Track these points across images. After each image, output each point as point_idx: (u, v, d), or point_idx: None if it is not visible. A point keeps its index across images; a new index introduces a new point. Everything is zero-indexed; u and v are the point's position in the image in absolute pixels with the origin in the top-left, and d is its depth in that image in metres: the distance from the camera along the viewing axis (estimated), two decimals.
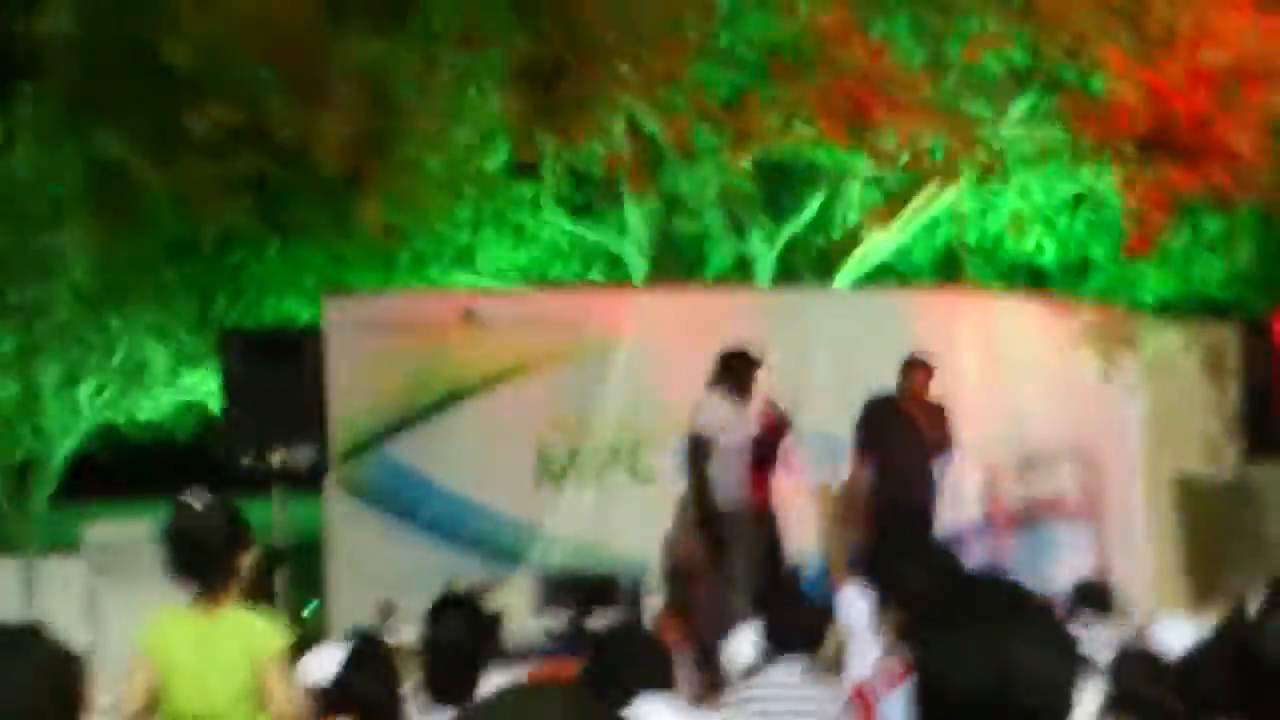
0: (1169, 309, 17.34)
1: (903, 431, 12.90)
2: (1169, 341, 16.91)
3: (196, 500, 6.55)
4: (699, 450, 12.07)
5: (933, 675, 3.01)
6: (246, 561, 6.67)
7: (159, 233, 15.34)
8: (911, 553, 5.70)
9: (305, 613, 13.24)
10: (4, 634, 3.58)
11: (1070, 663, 3.06)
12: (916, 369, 13.15)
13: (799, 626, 7.05)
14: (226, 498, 6.83)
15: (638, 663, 5.08)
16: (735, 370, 12.29)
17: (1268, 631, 4.78)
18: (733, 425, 12.14)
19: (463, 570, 13.03)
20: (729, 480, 12.06)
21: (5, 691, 3.33)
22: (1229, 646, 5.09)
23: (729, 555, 12.07)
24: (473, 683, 6.60)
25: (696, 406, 12.29)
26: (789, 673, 6.80)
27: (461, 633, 6.62)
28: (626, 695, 4.95)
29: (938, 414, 13.19)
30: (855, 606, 7.35)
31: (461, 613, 6.72)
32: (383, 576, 13.12)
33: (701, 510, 12.05)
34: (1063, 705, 2.98)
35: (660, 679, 5.08)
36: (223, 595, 6.55)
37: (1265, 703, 4.68)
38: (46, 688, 3.62)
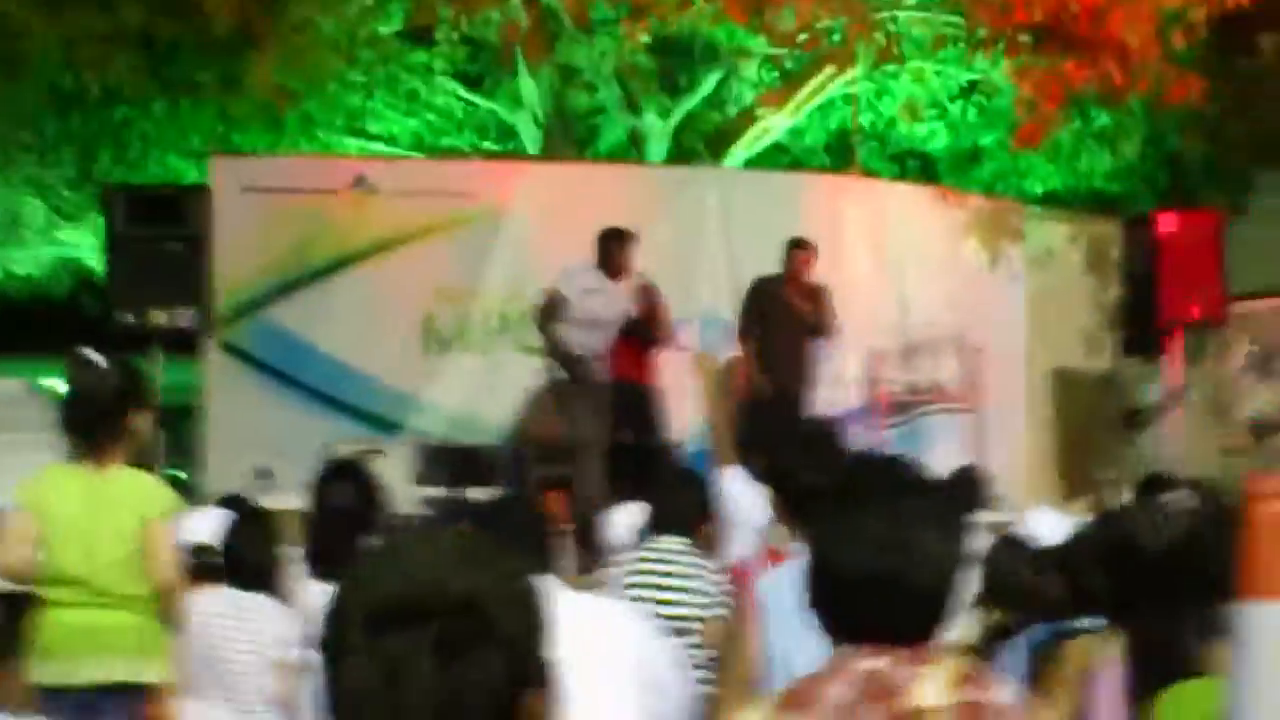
0: (1056, 201, 17.44)
1: (782, 313, 12.90)
2: (1054, 233, 17.04)
3: (95, 357, 6.43)
4: (549, 310, 12.01)
5: (826, 555, 3.03)
6: (140, 423, 6.58)
7: (41, 84, 15.03)
8: (797, 436, 5.71)
9: (180, 477, 13.07)
10: None
11: (960, 543, 3.10)
12: (798, 250, 13.14)
13: (680, 505, 7.07)
14: (124, 357, 6.75)
15: (519, 537, 5.05)
16: (608, 248, 12.25)
17: (1142, 522, 4.85)
18: (597, 295, 12.07)
19: (342, 437, 12.95)
20: (590, 349, 12.01)
21: None
22: (1105, 538, 5.16)
23: (586, 425, 12.05)
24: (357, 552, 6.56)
25: (561, 272, 12.29)
26: (671, 544, 6.82)
27: (350, 501, 6.58)
28: None
29: (819, 296, 13.21)
30: (736, 486, 7.36)
31: (350, 481, 6.68)
32: (261, 441, 12.99)
33: (564, 371, 11.98)
34: (952, 584, 3.03)
35: (542, 554, 5.07)
36: (112, 454, 6.45)
37: (1140, 592, 4.76)
38: None
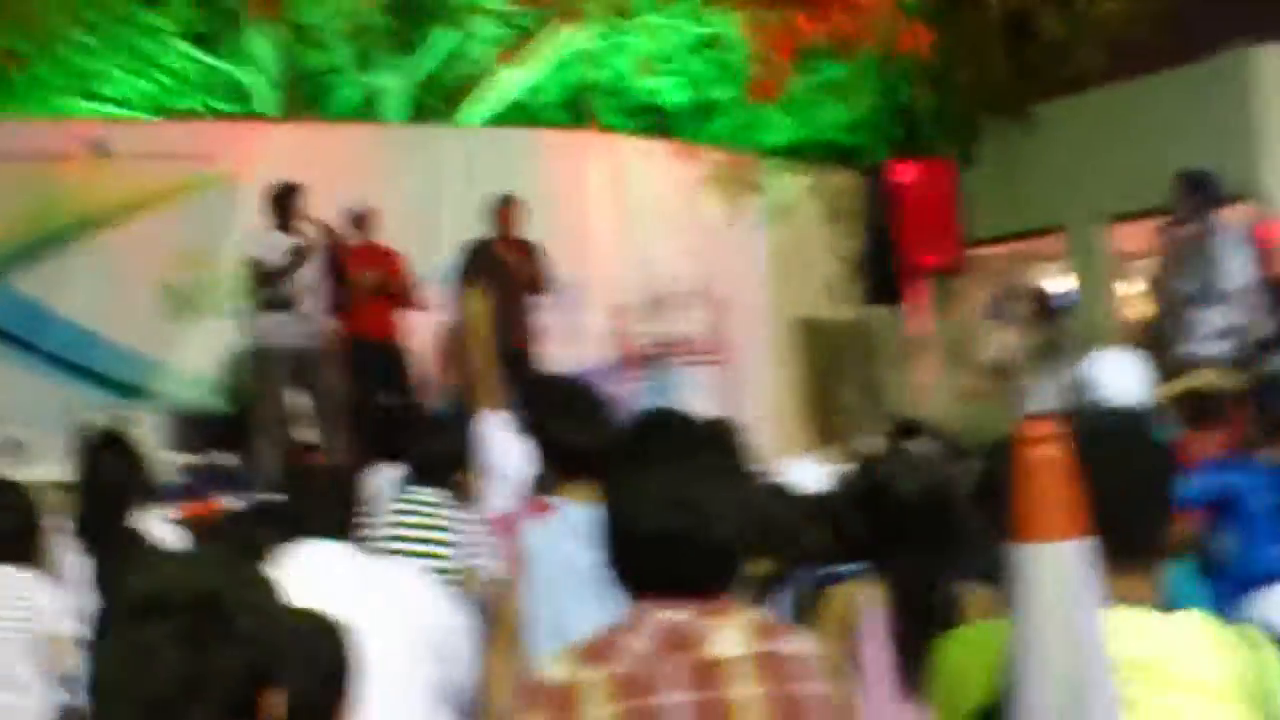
0: (792, 154, 17.64)
1: (498, 272, 12.85)
2: (792, 185, 17.27)
3: None
4: (253, 271, 11.99)
5: (621, 514, 3.09)
6: None
7: None
8: (552, 395, 5.74)
9: None
10: None
11: (751, 495, 3.20)
12: (505, 207, 13.12)
13: (435, 455, 7.06)
14: None
15: (325, 501, 5.05)
16: (282, 203, 12.24)
17: (896, 469, 4.99)
18: (281, 248, 12.09)
19: (87, 405, 12.74)
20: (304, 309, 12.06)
21: None
22: (861, 485, 5.29)
23: (322, 389, 12.04)
24: (125, 523, 6.47)
25: (245, 238, 12.28)
26: (426, 496, 6.83)
27: (117, 474, 6.47)
28: (296, 534, 4.93)
29: (531, 251, 13.17)
30: (495, 437, 7.37)
31: (117, 452, 6.57)
32: (5, 411, 12.75)
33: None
34: (744, 537, 3.11)
35: (347, 517, 5.07)
36: None
37: (897, 538, 4.89)
38: None
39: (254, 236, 12.20)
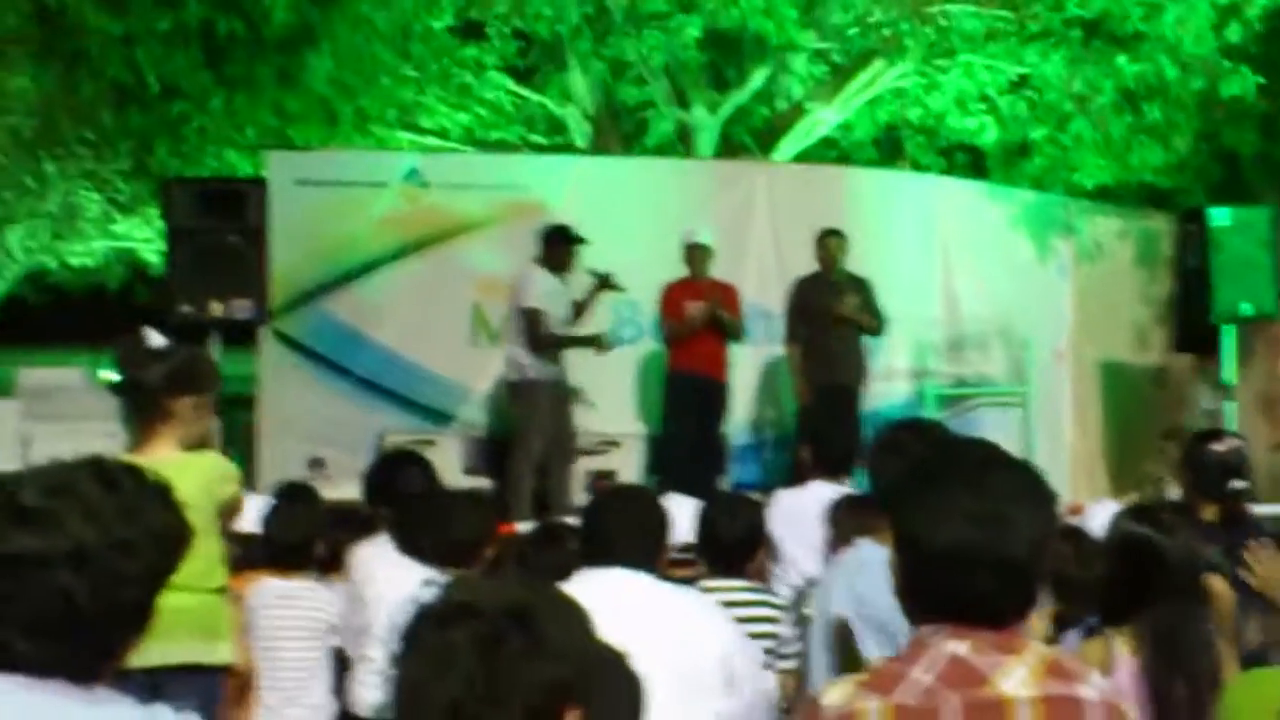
0: (1105, 195, 17.35)
1: (822, 307, 12.82)
2: (1104, 228, 16.99)
3: (153, 338, 6.37)
4: (534, 323, 12.14)
5: (914, 530, 3.02)
6: (183, 407, 6.45)
7: (100, 79, 15.11)
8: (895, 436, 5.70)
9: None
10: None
11: (1051, 517, 3.08)
12: (831, 239, 13.04)
13: (734, 544, 6.66)
14: (176, 341, 6.70)
15: (641, 526, 5.08)
16: (555, 246, 12.37)
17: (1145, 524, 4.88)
18: (557, 296, 12.25)
19: (393, 428, 13.05)
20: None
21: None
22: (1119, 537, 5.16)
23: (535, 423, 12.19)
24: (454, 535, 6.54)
25: (516, 281, 12.43)
26: (729, 589, 6.43)
27: (421, 486, 6.58)
28: (610, 559, 4.98)
29: (862, 287, 13.08)
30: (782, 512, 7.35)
31: (418, 467, 6.68)
32: (313, 430, 13.15)
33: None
34: (1042, 559, 3.01)
35: (651, 547, 5.09)
36: (159, 437, 6.35)
37: (1153, 589, 4.78)
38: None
39: (530, 279, 12.35)
